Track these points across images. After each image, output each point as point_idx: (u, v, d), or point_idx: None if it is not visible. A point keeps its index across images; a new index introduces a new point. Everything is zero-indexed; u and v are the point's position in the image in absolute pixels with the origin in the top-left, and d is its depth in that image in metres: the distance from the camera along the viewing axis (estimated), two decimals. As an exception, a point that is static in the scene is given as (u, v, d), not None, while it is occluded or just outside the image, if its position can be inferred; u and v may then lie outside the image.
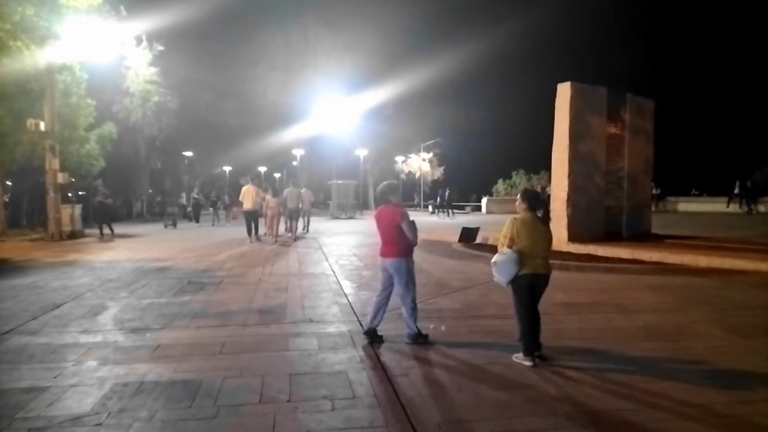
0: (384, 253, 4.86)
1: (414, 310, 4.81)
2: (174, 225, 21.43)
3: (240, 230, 17.40)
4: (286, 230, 15.82)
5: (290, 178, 34.27)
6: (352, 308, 6.35)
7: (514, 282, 4.30)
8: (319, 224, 22.93)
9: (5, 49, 17.05)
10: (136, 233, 18.37)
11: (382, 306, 4.92)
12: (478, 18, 77.84)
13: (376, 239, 5.13)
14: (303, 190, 17.92)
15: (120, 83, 25.33)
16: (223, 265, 10.08)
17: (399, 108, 41.79)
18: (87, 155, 20.16)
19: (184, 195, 28.18)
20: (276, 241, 14.65)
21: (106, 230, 16.22)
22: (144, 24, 24.24)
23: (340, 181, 32.55)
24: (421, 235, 5.20)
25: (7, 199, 22.76)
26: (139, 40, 24.62)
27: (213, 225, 22.04)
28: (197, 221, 23.56)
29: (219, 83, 34.56)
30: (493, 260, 4.40)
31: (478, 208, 36.48)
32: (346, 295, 7.19)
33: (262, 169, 57.35)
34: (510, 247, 4.31)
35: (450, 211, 28.70)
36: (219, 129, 37.63)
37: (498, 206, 33.22)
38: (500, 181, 42.64)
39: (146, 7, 22.37)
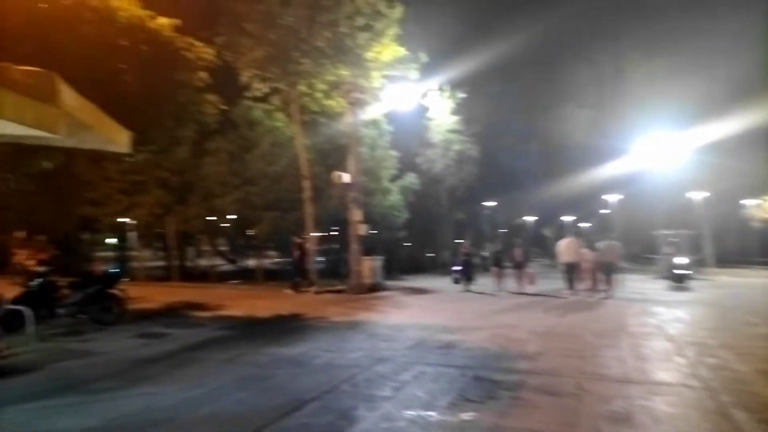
0: None
1: None
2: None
3: (541, 298, 14.77)
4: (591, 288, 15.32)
5: (604, 230, 29.81)
6: None
7: None
8: (639, 284, 18.26)
9: (322, 108, 18.70)
10: (435, 288, 17.26)
11: None
12: None
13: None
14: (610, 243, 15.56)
15: (423, 134, 26.05)
16: (525, 349, 7.40)
17: (749, 138, 32.87)
18: (390, 206, 20.53)
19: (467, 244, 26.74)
20: (591, 297, 14.53)
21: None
22: (445, 73, 24.45)
23: (670, 231, 26.54)
24: None
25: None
26: (441, 90, 24.93)
27: (497, 290, 15.95)
28: (469, 280, 16.96)
29: (520, 127, 33.20)
30: None
31: None
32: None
33: (568, 218, 53.31)
34: None
35: None
36: (520, 176, 36.06)
37: None
38: None
39: (446, 54, 22.31)
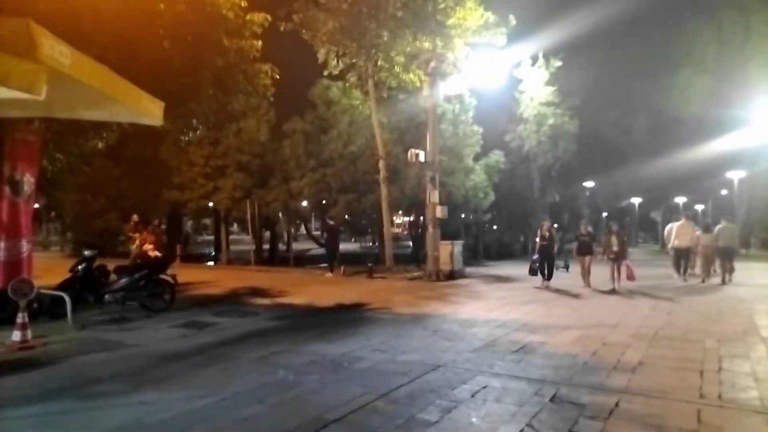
0: None
1: None
2: (566, 268, 17.91)
3: (648, 284, 12.85)
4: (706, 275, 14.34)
5: (722, 212, 26.15)
6: None
7: None
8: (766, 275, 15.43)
9: (401, 83, 17.54)
10: (521, 276, 15.47)
11: None
12: None
13: None
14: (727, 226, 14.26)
15: (513, 109, 24.06)
16: (623, 357, 5.89)
17: None
18: (473, 187, 19.06)
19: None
20: (704, 282, 14.01)
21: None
22: (539, 41, 22.29)
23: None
24: None
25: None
26: (534, 59, 22.82)
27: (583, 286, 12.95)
28: (546, 274, 13.19)
29: (626, 98, 29.77)
30: None
31: None
32: None
33: (680, 200, 48.23)
34: None
35: None
36: (625, 153, 32.53)
37: None
38: None
39: (540, 18, 20.22)
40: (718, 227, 14.33)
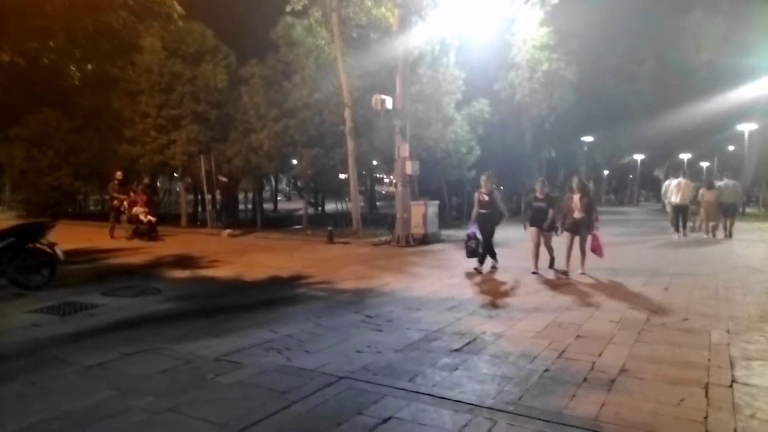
0: None
1: None
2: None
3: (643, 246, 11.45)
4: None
5: (725, 168, 24.61)
6: None
7: None
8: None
9: (372, 20, 15.57)
10: (508, 240, 13.82)
11: None
12: None
13: None
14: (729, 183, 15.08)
15: (504, 54, 21.97)
16: (600, 361, 4.42)
17: None
18: (454, 140, 17.32)
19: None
20: (710, 237, 14.53)
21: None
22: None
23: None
24: None
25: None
26: (527, -5, 20.57)
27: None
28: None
29: (631, 44, 27.52)
30: None
31: None
32: None
33: (685, 156, 46.50)
34: None
35: None
36: (627, 105, 30.49)
37: None
38: None
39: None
40: (720, 183, 15.07)
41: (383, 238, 14.04)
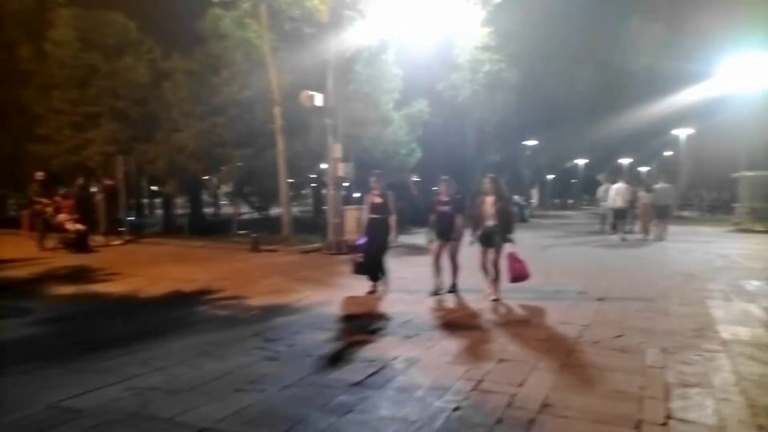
0: None
1: None
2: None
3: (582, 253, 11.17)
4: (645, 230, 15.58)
5: (661, 171, 25.22)
6: None
7: None
8: (716, 241, 13.97)
9: (305, 13, 14.81)
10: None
11: None
12: None
13: None
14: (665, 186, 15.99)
15: (447, 54, 21.60)
16: (521, 393, 3.81)
17: None
18: (394, 142, 16.74)
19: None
20: (646, 238, 15.28)
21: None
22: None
23: (752, 173, 22.09)
24: None
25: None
26: (469, -6, 20.27)
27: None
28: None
29: (572, 47, 27.79)
30: None
31: None
32: None
33: (625, 161, 47.84)
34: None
35: None
36: (570, 109, 30.79)
37: None
38: None
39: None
40: (656, 187, 15.95)
41: (315, 245, 13.24)
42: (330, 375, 4.26)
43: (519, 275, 6.92)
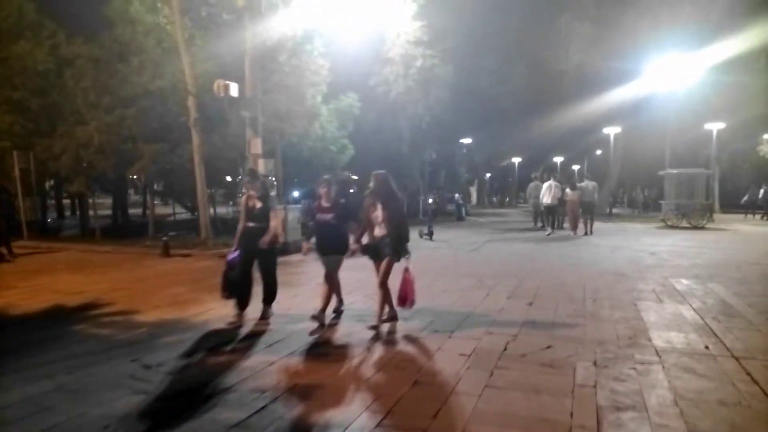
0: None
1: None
2: (430, 235, 15.64)
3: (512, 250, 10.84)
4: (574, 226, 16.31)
5: (585, 170, 25.82)
6: None
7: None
8: (644, 238, 14.16)
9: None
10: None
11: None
12: None
13: None
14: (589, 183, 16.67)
15: (379, 48, 21.04)
16: (432, 429, 3.22)
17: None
18: (322, 137, 15.98)
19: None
20: (574, 234, 15.91)
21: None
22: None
23: (676, 171, 22.78)
24: None
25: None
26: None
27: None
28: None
29: (505, 44, 27.93)
30: None
31: None
32: None
33: (558, 159, 49.10)
34: None
35: None
36: (504, 107, 30.98)
37: None
38: None
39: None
40: (582, 184, 16.51)
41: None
42: (206, 414, 3.52)
43: (404, 300, 5.65)
